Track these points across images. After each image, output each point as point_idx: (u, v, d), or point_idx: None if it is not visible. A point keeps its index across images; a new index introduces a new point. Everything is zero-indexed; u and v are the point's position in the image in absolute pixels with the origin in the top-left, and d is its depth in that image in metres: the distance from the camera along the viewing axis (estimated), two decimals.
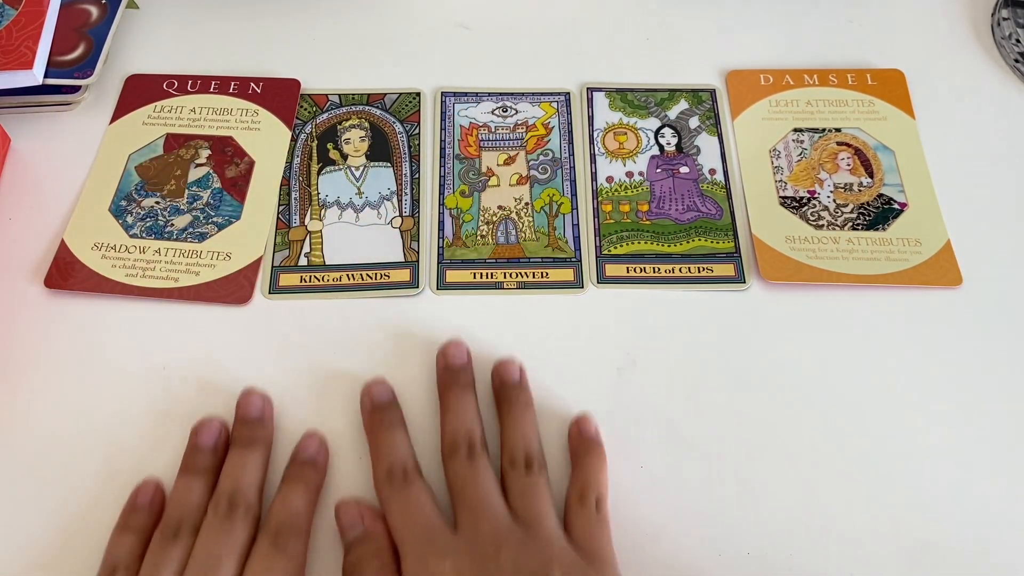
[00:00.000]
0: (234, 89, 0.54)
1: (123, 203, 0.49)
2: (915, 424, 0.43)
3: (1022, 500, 0.41)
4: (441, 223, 0.49)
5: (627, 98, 0.54)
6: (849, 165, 0.51)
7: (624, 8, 0.59)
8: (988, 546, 0.40)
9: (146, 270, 0.46)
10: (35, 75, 0.50)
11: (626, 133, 0.53)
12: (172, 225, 0.48)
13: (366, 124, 0.53)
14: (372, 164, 0.51)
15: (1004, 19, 0.57)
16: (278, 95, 0.53)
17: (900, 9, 0.59)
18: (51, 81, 0.51)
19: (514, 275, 0.47)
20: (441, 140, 0.52)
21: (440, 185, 0.50)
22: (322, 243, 0.48)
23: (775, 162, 0.51)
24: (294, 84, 0.54)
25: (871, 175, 0.51)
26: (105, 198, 0.49)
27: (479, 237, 0.48)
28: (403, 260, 0.47)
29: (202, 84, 0.54)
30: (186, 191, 0.50)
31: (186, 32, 0.57)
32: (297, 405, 0.43)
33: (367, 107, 0.53)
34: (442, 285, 0.47)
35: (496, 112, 0.53)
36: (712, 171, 0.51)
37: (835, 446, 0.42)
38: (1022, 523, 0.40)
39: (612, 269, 0.47)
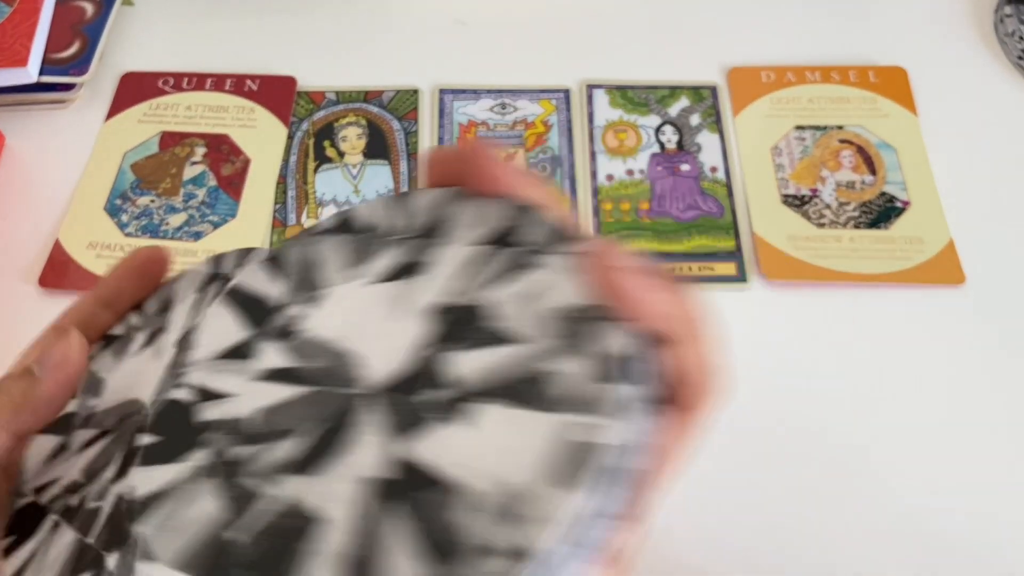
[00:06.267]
0: (230, 86, 0.53)
1: (118, 201, 0.49)
2: (917, 423, 0.42)
3: None
4: None
5: (627, 95, 0.54)
6: (851, 163, 0.51)
7: (624, 5, 0.58)
8: (989, 546, 0.39)
9: None
10: (29, 72, 0.50)
11: (626, 130, 0.52)
12: (167, 224, 0.48)
13: (363, 121, 0.52)
14: (369, 162, 0.51)
15: (1007, 16, 0.57)
16: (274, 92, 0.53)
17: (903, 6, 0.58)
18: (45, 79, 0.51)
19: None
20: (439, 138, 0.52)
21: None
22: None
23: (777, 160, 0.51)
24: (290, 81, 0.54)
25: (873, 173, 0.50)
26: (100, 196, 0.49)
27: None
28: None
29: (198, 81, 0.53)
30: (181, 189, 0.49)
31: (181, 29, 0.56)
32: None
33: (364, 104, 0.53)
34: None
35: (495, 109, 0.53)
36: (713, 169, 0.51)
37: (836, 445, 0.42)
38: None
39: None
